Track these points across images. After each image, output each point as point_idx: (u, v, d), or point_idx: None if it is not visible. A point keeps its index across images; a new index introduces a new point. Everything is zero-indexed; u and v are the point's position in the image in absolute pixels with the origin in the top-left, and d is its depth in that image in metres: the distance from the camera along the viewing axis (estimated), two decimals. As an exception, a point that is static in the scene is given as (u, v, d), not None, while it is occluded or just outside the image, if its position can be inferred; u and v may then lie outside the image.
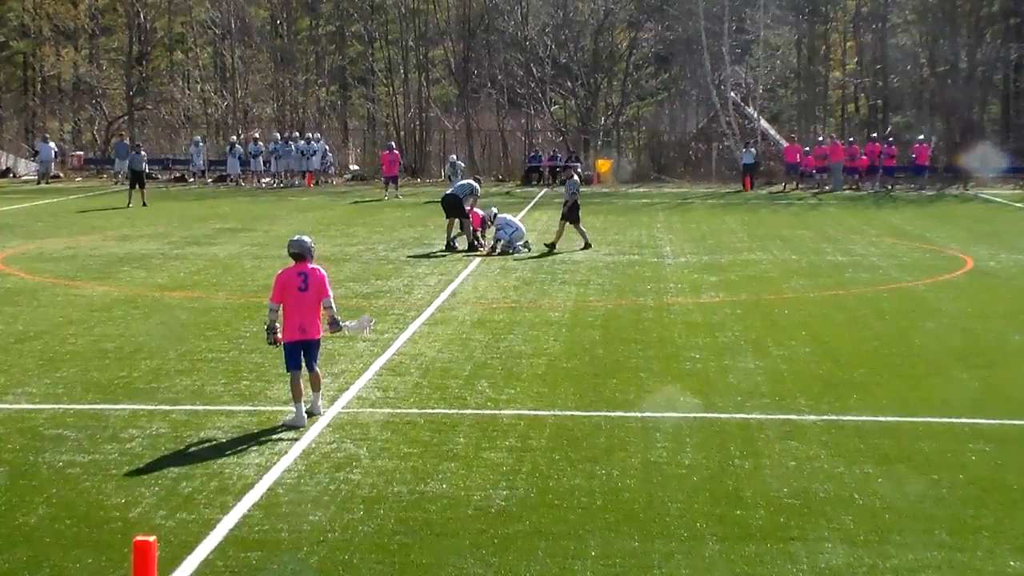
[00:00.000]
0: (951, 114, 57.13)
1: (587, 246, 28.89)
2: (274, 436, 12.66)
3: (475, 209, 29.19)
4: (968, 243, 30.33)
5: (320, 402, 13.47)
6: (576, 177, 30.54)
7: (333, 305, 13.38)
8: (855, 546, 9.64)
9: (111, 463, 11.70)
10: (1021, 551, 9.56)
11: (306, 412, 13.14)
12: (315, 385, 13.42)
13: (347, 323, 13.89)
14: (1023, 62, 59.14)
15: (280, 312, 13.35)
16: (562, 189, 32.04)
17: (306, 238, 13.53)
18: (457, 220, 28.92)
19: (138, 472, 11.44)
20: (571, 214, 29.04)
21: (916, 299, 22.05)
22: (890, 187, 49.25)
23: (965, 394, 14.71)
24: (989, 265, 26.35)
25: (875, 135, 52.06)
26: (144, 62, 64.90)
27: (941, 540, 9.79)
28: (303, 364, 13.20)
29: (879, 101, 61.60)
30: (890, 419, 13.53)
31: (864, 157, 49.62)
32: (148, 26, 65.65)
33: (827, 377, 15.53)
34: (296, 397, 13.04)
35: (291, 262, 13.39)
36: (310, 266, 13.30)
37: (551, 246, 28.61)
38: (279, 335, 13.30)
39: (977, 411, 13.79)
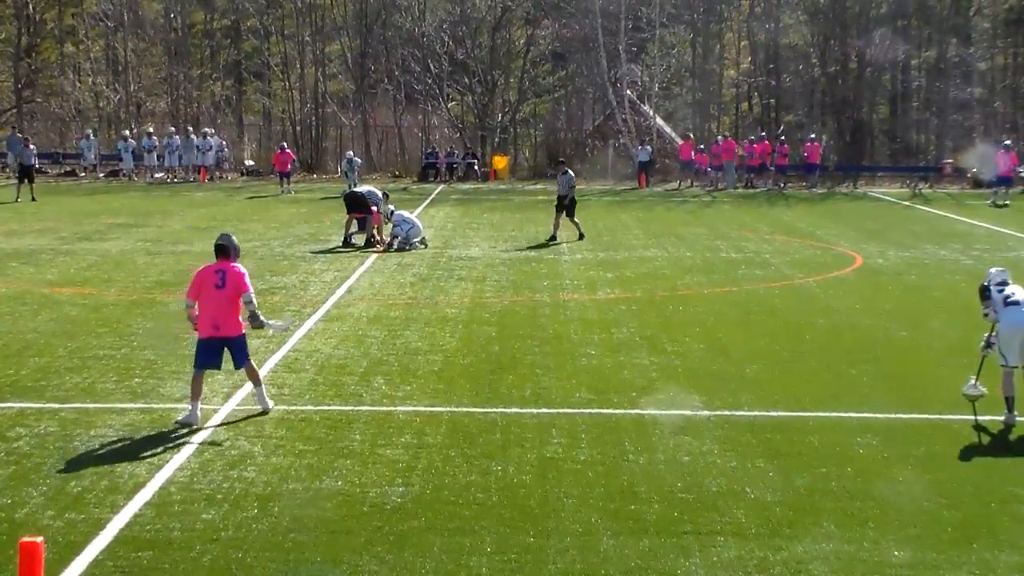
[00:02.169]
0: (841, 113, 58.16)
1: (581, 237, 30.27)
2: (167, 434, 12.52)
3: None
4: (857, 241, 30.90)
5: (265, 396, 13.39)
6: (571, 172, 31.70)
7: (254, 300, 13.30)
8: (746, 539, 9.79)
9: (-3, 463, 11.49)
10: (905, 542, 9.79)
11: (258, 407, 13.24)
12: (254, 380, 13.36)
13: (271, 321, 13.84)
14: (910, 63, 60.40)
15: (197, 307, 13.25)
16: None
17: (231, 235, 13.60)
18: (354, 217, 28.83)
19: (25, 472, 11.23)
20: (568, 207, 30.41)
21: (807, 296, 22.43)
22: (782, 185, 49.98)
23: (853, 389, 15.01)
24: (877, 262, 26.88)
25: (763, 133, 52.77)
26: (33, 54, 63.52)
27: (829, 532, 9.99)
28: (220, 362, 13.10)
29: (772, 100, 62.46)
30: (781, 414, 13.76)
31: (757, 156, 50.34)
32: (37, 17, 64.27)
33: (720, 373, 15.73)
34: (194, 395, 12.91)
35: (209, 260, 13.35)
36: (230, 264, 13.21)
37: (552, 238, 30.25)
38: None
39: (864, 405, 14.08)
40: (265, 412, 13.23)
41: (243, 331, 13.26)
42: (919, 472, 11.63)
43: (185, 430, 12.59)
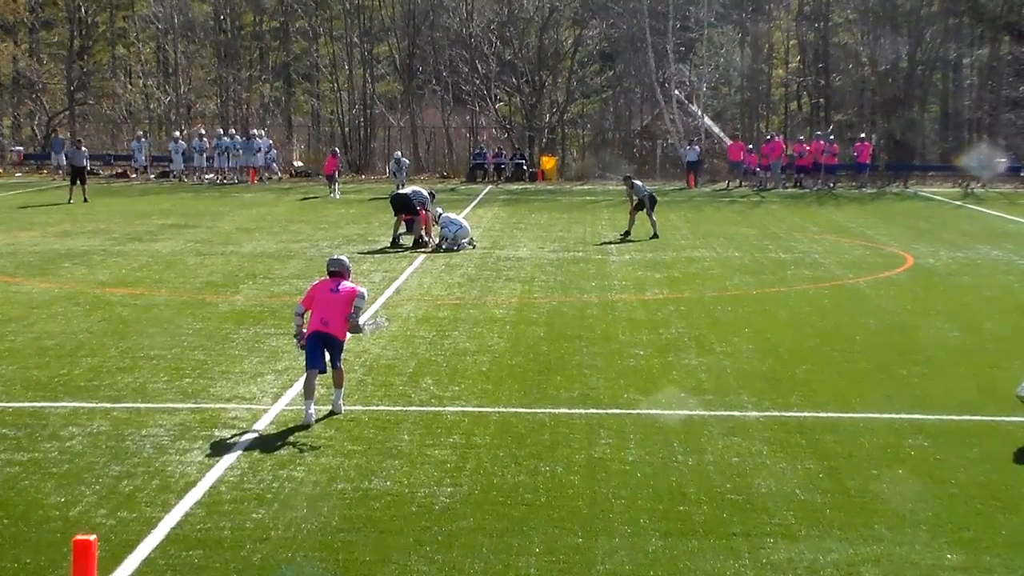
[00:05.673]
0: (892, 113, 57.67)
1: (655, 236, 30.84)
2: (217, 434, 12.60)
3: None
4: (908, 241, 30.66)
5: (341, 401, 13.51)
6: (638, 181, 32.76)
7: (363, 305, 13.65)
8: (796, 541, 9.73)
9: (50, 462, 11.59)
10: (958, 544, 9.69)
11: (329, 409, 13.37)
12: (338, 382, 13.52)
13: (368, 323, 13.95)
14: (962, 62, 59.81)
15: (305, 317, 13.48)
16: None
17: (344, 257, 13.93)
18: (403, 219, 28.92)
19: (78, 471, 11.33)
20: (648, 204, 31.21)
21: (857, 296, 22.27)
22: (832, 185, 49.65)
23: (905, 390, 14.88)
24: (928, 262, 26.65)
25: (818, 133, 52.47)
26: (85, 57, 64.16)
27: (880, 534, 9.90)
28: (325, 363, 13.28)
29: (821, 99, 62.02)
30: (831, 415, 13.66)
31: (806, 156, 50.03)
32: (89, 20, 64.93)
33: (769, 374, 15.65)
34: (307, 395, 13.14)
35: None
36: (344, 281, 13.59)
37: (625, 234, 31.15)
38: (305, 337, 13.39)
39: (916, 407, 13.97)
40: (335, 414, 13.32)
41: (345, 338, 13.56)
42: (972, 474, 11.50)
43: (234, 430, 12.68)
